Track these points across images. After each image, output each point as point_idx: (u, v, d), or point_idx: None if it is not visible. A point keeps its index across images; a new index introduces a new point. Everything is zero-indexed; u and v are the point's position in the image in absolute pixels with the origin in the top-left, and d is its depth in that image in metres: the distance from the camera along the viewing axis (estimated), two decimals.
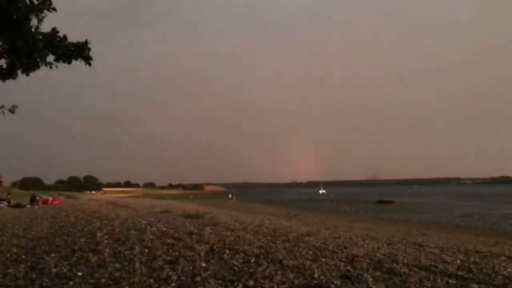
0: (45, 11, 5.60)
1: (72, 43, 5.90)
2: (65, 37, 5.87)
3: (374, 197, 65.42)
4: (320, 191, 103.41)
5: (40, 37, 5.74)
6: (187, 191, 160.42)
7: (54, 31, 5.90)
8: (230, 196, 79.10)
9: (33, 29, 5.60)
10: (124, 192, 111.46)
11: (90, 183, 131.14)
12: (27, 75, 5.96)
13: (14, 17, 5.23)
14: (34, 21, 5.61)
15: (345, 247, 6.88)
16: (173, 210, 17.67)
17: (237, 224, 11.08)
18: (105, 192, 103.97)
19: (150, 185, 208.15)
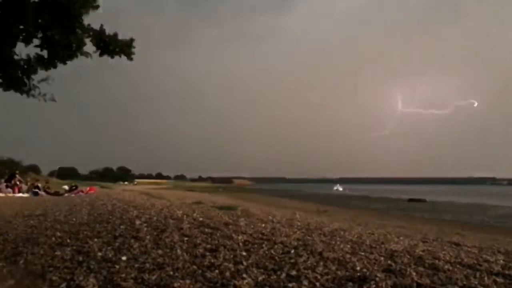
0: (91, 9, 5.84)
1: (121, 41, 6.15)
2: (115, 35, 6.12)
3: (398, 195, 64.03)
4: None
5: (91, 33, 5.99)
6: (216, 184, 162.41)
7: (102, 28, 6.15)
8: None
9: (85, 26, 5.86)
10: (155, 183, 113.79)
11: (123, 174, 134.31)
12: (64, 63, 6.24)
13: (70, 13, 5.45)
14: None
15: (382, 243, 6.80)
16: (205, 202, 17.93)
17: (270, 217, 11.12)
18: (137, 183, 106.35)
19: (181, 177, 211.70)
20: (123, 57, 6.43)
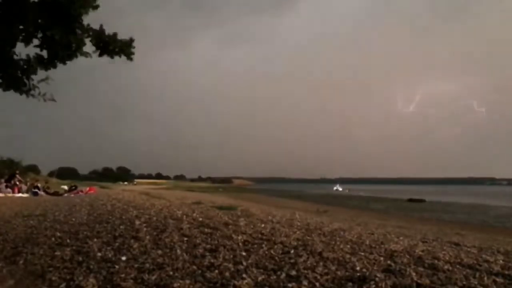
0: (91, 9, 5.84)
1: (120, 41, 6.15)
2: (115, 35, 6.12)
3: (397, 196, 64.03)
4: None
5: (91, 33, 5.99)
6: (216, 184, 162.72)
7: (101, 28, 6.15)
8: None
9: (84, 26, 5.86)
10: (155, 183, 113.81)
11: (123, 174, 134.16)
12: (64, 63, 6.24)
13: (70, 13, 5.45)
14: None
15: (382, 243, 6.79)
16: (205, 202, 17.91)
17: (269, 217, 11.11)
18: (136, 183, 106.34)
19: (180, 177, 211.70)
20: (123, 57, 6.43)
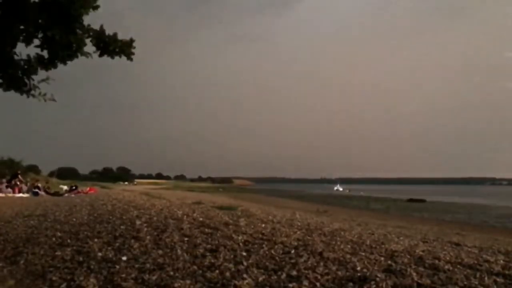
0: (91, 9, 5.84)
1: (120, 41, 6.13)
2: (115, 35, 6.11)
3: (398, 196, 64.01)
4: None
5: (91, 33, 5.98)
6: (216, 184, 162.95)
7: (101, 28, 6.14)
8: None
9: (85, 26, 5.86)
10: (155, 183, 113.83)
11: (123, 174, 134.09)
12: (65, 64, 6.23)
13: (71, 13, 5.45)
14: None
15: (382, 243, 6.80)
16: (205, 202, 17.92)
17: (270, 217, 11.12)
18: (136, 183, 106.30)
19: (181, 177, 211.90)
20: (123, 58, 6.41)
